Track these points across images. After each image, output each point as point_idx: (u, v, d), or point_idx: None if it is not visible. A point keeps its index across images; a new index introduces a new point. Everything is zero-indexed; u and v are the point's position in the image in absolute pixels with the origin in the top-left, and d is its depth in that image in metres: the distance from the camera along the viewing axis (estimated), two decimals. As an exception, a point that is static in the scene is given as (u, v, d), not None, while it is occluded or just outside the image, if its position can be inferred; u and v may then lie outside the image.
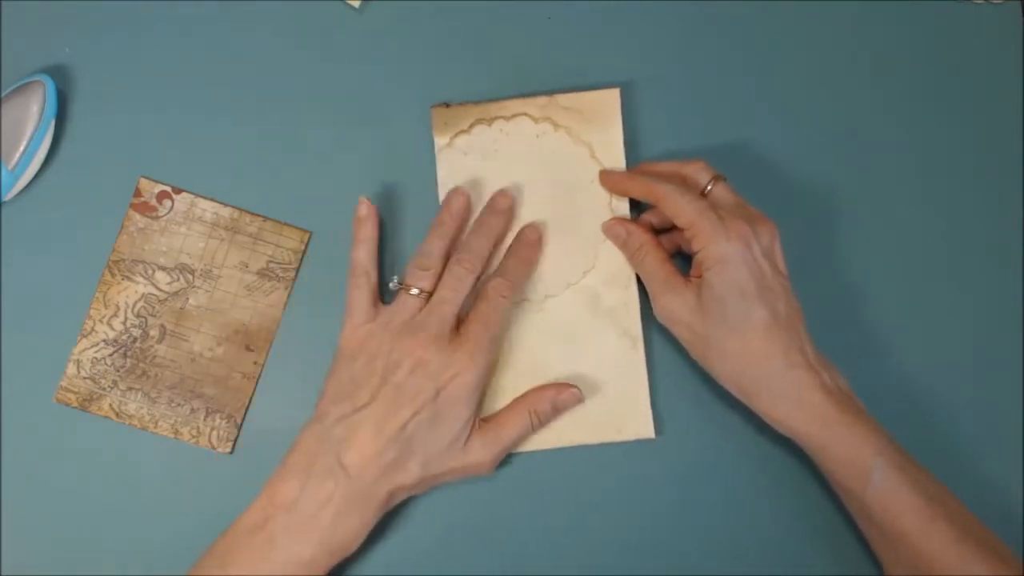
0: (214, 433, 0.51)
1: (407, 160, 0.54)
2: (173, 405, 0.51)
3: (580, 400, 0.51)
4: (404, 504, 0.51)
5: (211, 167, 0.54)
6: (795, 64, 0.57)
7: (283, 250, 0.53)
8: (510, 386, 0.53)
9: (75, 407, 0.51)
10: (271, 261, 0.53)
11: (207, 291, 0.52)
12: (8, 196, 0.52)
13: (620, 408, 0.53)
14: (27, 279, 0.52)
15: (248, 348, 0.52)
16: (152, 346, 0.51)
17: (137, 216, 0.52)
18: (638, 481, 0.53)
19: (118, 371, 0.51)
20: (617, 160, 0.54)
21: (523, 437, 0.50)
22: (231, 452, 0.52)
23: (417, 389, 0.46)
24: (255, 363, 0.52)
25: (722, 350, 0.48)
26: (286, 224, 0.53)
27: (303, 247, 0.53)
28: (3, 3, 0.54)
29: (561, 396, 0.51)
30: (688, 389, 0.53)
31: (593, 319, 0.53)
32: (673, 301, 0.49)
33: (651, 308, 0.51)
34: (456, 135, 0.53)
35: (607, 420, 0.53)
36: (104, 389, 0.51)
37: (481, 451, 0.48)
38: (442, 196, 0.53)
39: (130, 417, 0.51)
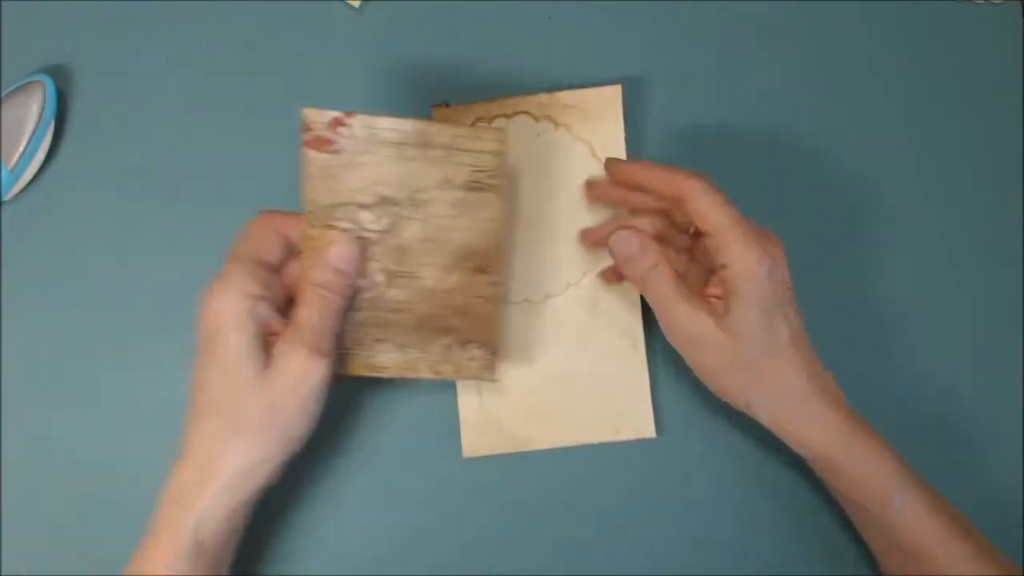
0: (474, 363, 0.48)
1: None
2: (424, 346, 0.47)
3: (354, 245, 0.45)
4: (401, 503, 0.52)
5: (211, 167, 0.54)
6: (795, 64, 0.57)
7: (484, 155, 0.46)
8: (513, 386, 0.53)
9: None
10: (475, 170, 0.46)
11: (419, 219, 0.46)
12: (8, 196, 0.52)
13: (621, 408, 0.53)
14: (27, 279, 0.52)
15: (480, 270, 0.47)
16: (383, 292, 0.46)
17: (315, 155, 0.44)
18: (639, 480, 0.53)
19: (355, 327, 0.46)
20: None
21: (328, 316, 0.44)
22: (496, 381, 0.51)
23: (197, 347, 0.44)
24: (494, 283, 0.47)
25: (756, 372, 0.46)
26: (481, 128, 0.47)
27: (505, 149, 0.46)
28: (3, 3, 0.54)
29: (334, 252, 0.45)
30: (688, 389, 0.53)
31: (594, 319, 0.53)
32: (693, 322, 0.46)
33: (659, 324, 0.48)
34: None
35: (608, 420, 0.53)
36: (349, 349, 0.47)
37: (289, 359, 0.43)
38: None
39: (385, 369, 0.47)
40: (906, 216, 0.56)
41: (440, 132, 0.45)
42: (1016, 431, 0.54)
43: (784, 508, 0.53)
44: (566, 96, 0.53)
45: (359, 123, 0.44)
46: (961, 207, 0.57)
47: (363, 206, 0.45)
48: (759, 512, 0.53)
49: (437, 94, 0.54)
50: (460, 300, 0.47)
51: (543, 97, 0.53)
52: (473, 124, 0.53)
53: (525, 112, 0.53)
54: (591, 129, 0.53)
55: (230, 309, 0.42)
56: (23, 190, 0.52)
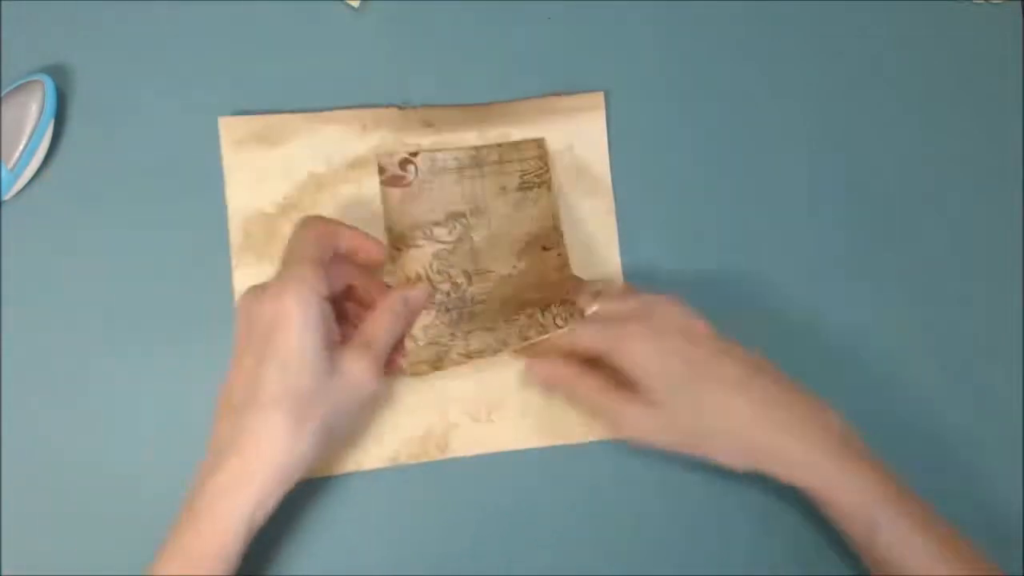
0: (557, 319, 0.51)
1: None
2: (510, 322, 0.51)
3: (430, 296, 0.51)
4: (390, 503, 0.52)
5: (212, 167, 0.54)
6: (795, 65, 0.57)
7: (528, 161, 0.54)
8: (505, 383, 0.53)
9: (431, 372, 0.51)
10: (523, 174, 0.54)
11: (484, 224, 0.53)
12: (8, 196, 0.52)
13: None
14: (27, 279, 0.52)
15: (545, 248, 0.53)
16: (465, 290, 0.52)
17: (391, 191, 0.53)
18: (627, 480, 0.53)
19: (449, 325, 0.52)
20: (602, 165, 0.54)
21: (393, 339, 0.48)
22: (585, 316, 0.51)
23: (245, 342, 0.45)
24: (559, 255, 0.53)
25: (708, 437, 0.47)
26: (520, 141, 0.54)
27: (544, 152, 0.54)
28: (3, 3, 0.54)
29: (413, 294, 0.50)
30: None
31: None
32: (635, 419, 0.47)
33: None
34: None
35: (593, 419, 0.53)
36: (447, 345, 0.51)
37: (356, 365, 0.45)
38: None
39: (481, 352, 0.51)
40: (905, 216, 0.56)
41: (489, 152, 0.54)
42: (1016, 440, 0.54)
43: (776, 506, 0.53)
44: (551, 102, 0.54)
45: (423, 159, 0.53)
46: (961, 207, 0.57)
47: (436, 224, 0.53)
48: (750, 510, 0.53)
49: (437, 94, 0.54)
50: (534, 278, 0.53)
51: (528, 103, 0.54)
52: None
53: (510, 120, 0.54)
54: (575, 134, 0.54)
55: (302, 308, 0.43)
56: (23, 190, 0.52)
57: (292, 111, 0.54)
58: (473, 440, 0.52)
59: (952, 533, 0.45)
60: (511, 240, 0.53)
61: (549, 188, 0.54)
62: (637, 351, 0.47)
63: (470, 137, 0.54)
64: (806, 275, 0.52)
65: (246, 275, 0.53)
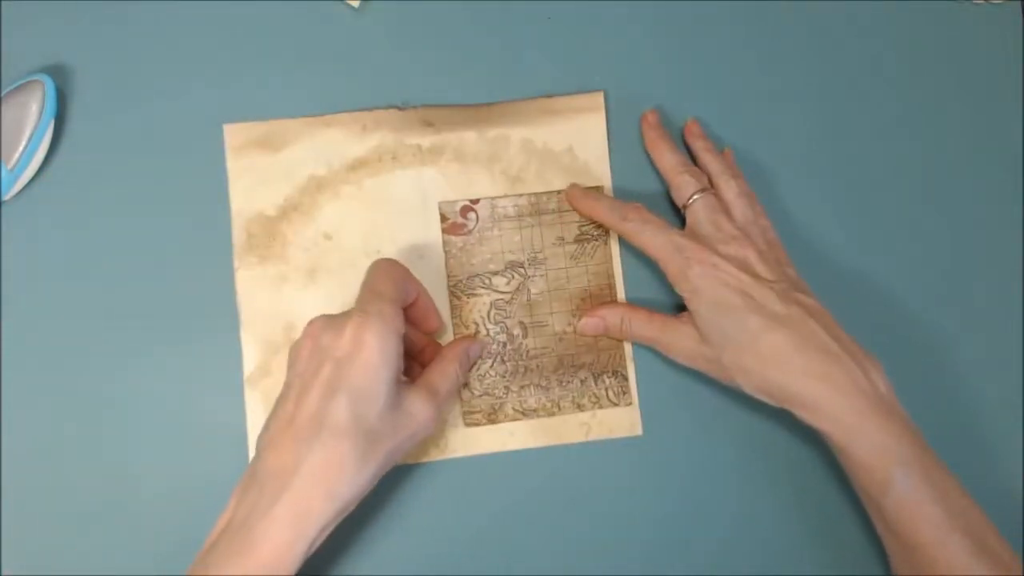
0: (609, 392, 0.53)
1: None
2: (564, 384, 0.53)
3: (487, 349, 0.53)
4: (391, 503, 0.52)
5: (212, 167, 0.53)
6: (795, 65, 0.57)
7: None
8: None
9: (487, 424, 0.52)
10: (581, 225, 0.54)
11: (542, 275, 0.54)
12: (8, 196, 0.52)
13: (607, 406, 0.53)
14: (27, 279, 0.52)
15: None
16: (521, 343, 0.53)
17: (453, 239, 0.53)
18: (625, 479, 0.53)
19: (504, 377, 0.53)
20: (602, 165, 0.55)
21: (455, 388, 0.50)
22: (631, 404, 0.53)
23: (314, 370, 0.44)
24: None
25: (739, 368, 0.48)
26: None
27: None
28: (3, 3, 0.54)
29: (473, 346, 0.52)
30: (674, 387, 0.53)
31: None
32: (680, 343, 0.50)
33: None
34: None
35: (595, 418, 0.53)
36: (501, 398, 0.53)
37: (422, 407, 0.46)
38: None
39: (535, 411, 0.53)
40: (906, 217, 0.56)
41: (549, 199, 0.54)
42: (1016, 429, 0.54)
43: (773, 503, 0.53)
44: (550, 102, 0.54)
45: (483, 206, 0.53)
46: (961, 207, 0.57)
47: (495, 273, 0.53)
48: (747, 508, 0.53)
49: (437, 94, 0.54)
50: (588, 339, 0.53)
51: (529, 103, 0.54)
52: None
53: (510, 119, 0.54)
54: (575, 134, 0.54)
55: (381, 343, 0.44)
56: (23, 190, 0.52)
57: (292, 110, 0.54)
58: (473, 440, 0.52)
59: (970, 506, 0.45)
60: (568, 295, 0.54)
61: (606, 243, 0.54)
62: (689, 278, 0.48)
63: (470, 137, 0.54)
64: (803, 274, 0.52)
65: (248, 276, 0.53)
